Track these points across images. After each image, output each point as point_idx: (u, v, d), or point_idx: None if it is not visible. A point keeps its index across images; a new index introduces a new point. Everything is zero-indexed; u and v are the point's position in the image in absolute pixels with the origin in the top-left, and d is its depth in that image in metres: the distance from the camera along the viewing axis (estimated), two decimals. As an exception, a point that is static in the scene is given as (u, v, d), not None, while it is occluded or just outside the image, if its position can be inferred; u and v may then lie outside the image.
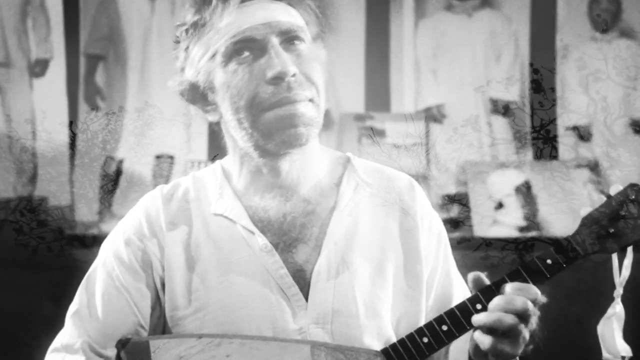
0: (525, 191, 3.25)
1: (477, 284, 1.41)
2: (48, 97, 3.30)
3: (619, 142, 3.46)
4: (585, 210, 1.44)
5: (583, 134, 3.52)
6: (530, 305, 1.36)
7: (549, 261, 1.41)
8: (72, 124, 3.28)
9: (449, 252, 1.62)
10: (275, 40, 1.45)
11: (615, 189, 1.44)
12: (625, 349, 1.47)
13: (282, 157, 1.49)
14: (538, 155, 3.45)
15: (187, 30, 1.50)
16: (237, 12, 1.46)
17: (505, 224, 3.26)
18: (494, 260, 2.91)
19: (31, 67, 3.36)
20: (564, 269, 1.42)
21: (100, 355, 1.49)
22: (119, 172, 3.30)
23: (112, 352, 1.47)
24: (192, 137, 3.48)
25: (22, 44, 3.36)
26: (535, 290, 1.38)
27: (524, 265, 1.41)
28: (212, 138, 3.48)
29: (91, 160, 3.19)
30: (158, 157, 3.40)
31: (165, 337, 1.46)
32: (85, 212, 3.27)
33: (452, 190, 3.23)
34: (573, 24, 3.52)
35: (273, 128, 1.45)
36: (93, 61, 3.44)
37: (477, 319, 1.38)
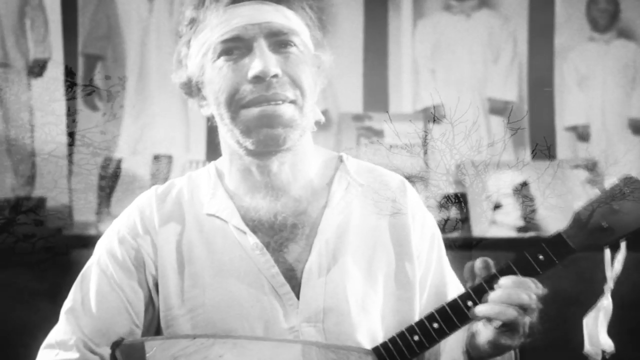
0: (524, 191, 3.24)
1: (486, 270, 1.40)
2: (46, 97, 3.29)
3: (618, 142, 3.46)
4: (578, 205, 1.42)
5: (581, 134, 3.52)
6: (534, 298, 1.36)
7: (540, 257, 1.39)
8: (70, 124, 3.27)
9: (443, 252, 1.63)
10: (262, 41, 1.47)
11: (609, 183, 1.42)
12: (608, 344, 1.45)
13: (270, 157, 1.50)
14: (536, 156, 3.45)
15: (187, 26, 1.52)
16: (229, 12, 1.48)
17: (503, 224, 3.26)
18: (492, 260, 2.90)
19: (29, 67, 3.35)
20: (556, 264, 1.40)
21: (94, 353, 1.50)
22: (117, 172, 3.30)
23: (105, 350, 1.48)
24: (190, 137, 3.48)
25: (20, 44, 3.36)
26: (536, 284, 1.38)
27: (515, 260, 1.39)
28: (210, 138, 3.48)
29: (89, 161, 3.19)
30: (156, 157, 3.40)
31: (160, 338, 1.47)
32: (84, 212, 3.26)
33: (450, 190, 3.23)
34: (571, 24, 3.52)
35: (251, 125, 1.47)
36: (91, 61, 3.44)
37: (480, 309, 1.38)
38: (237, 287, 1.49)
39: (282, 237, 1.51)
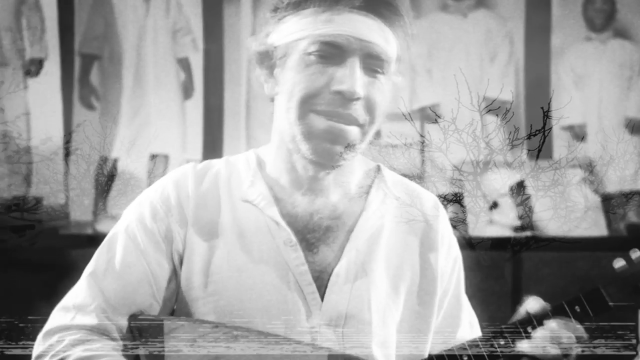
0: (520, 191, 3.25)
1: (539, 310, 1.43)
2: (43, 97, 3.29)
3: (614, 142, 3.47)
4: (619, 263, 1.45)
5: (578, 134, 3.53)
6: (574, 340, 1.39)
7: (577, 308, 1.43)
8: (66, 123, 3.27)
9: (462, 277, 1.64)
10: (358, 59, 1.46)
11: None
12: None
13: (319, 167, 1.50)
14: (532, 155, 3.45)
15: (288, 4, 1.50)
16: (338, 14, 1.46)
17: (500, 223, 3.26)
18: (490, 260, 2.90)
19: (26, 66, 3.35)
20: (592, 319, 1.43)
21: (111, 321, 1.48)
22: (113, 172, 3.30)
23: (122, 320, 1.47)
24: (187, 136, 3.48)
25: (16, 43, 3.35)
26: (580, 328, 1.42)
27: (553, 309, 1.43)
28: (207, 137, 3.48)
29: (86, 160, 3.19)
30: (153, 156, 3.40)
31: (181, 319, 1.45)
32: (80, 212, 3.26)
33: (447, 190, 3.23)
34: (568, 24, 3.53)
35: (313, 133, 1.46)
36: (88, 61, 3.44)
37: (523, 346, 1.41)
38: (263, 278, 1.48)
39: (314, 237, 1.51)
